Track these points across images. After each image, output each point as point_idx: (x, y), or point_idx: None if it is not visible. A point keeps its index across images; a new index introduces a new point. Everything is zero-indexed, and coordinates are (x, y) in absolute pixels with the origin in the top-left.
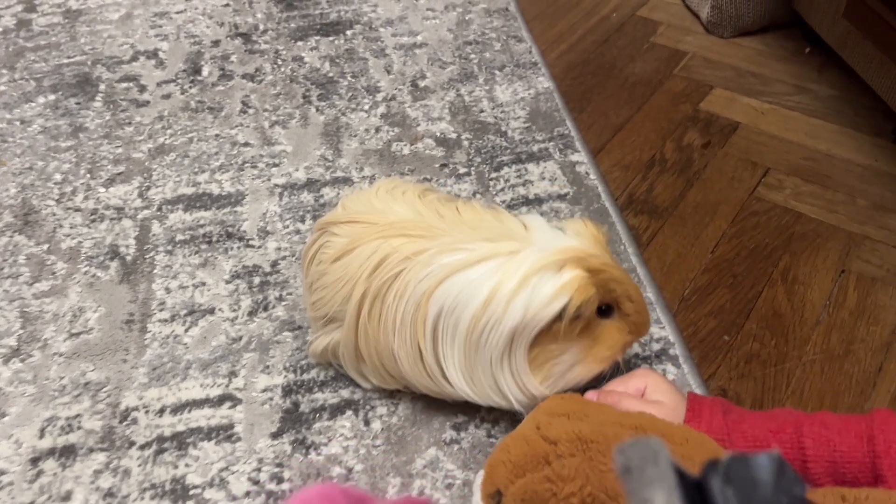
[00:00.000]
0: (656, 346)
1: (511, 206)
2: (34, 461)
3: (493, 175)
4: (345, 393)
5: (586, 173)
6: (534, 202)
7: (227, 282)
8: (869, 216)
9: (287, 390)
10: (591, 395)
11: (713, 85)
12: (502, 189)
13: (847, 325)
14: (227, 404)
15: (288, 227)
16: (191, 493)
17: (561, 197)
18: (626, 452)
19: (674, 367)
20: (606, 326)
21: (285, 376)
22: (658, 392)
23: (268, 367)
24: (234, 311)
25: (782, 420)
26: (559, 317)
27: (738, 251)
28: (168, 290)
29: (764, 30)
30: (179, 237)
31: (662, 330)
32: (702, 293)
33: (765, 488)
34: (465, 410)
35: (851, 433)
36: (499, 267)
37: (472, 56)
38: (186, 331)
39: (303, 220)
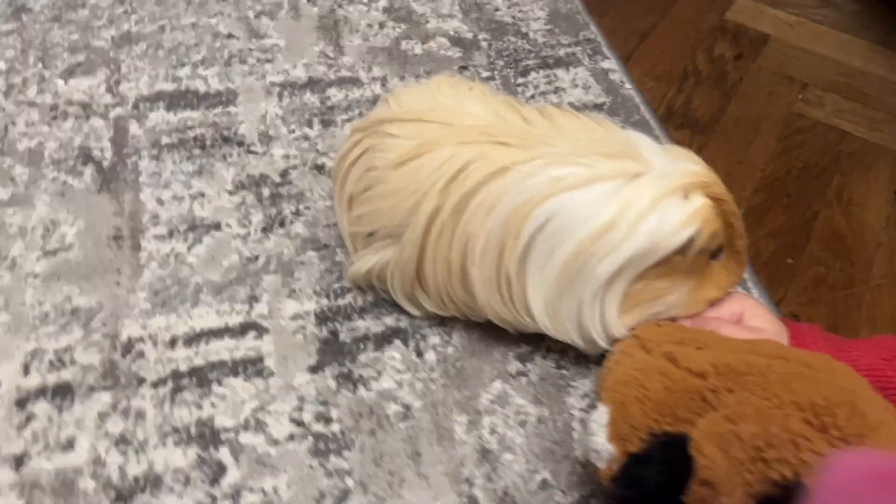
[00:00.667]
0: None
1: None
2: (20, 403)
3: (520, 80)
4: (389, 320)
5: (621, 82)
6: None
7: (231, 193)
8: None
9: (321, 317)
10: (685, 321)
11: None
12: (532, 96)
13: None
14: (252, 334)
15: (294, 131)
16: (222, 437)
17: (598, 107)
18: None
19: (741, 290)
20: (717, 265)
21: (317, 301)
22: (757, 318)
23: (294, 290)
24: (245, 226)
25: (893, 346)
26: (683, 249)
27: (789, 170)
28: (160, 202)
29: None
30: (165, 140)
31: None
32: (757, 213)
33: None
34: (527, 339)
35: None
36: (620, 189)
37: None
38: (189, 249)
39: (310, 125)
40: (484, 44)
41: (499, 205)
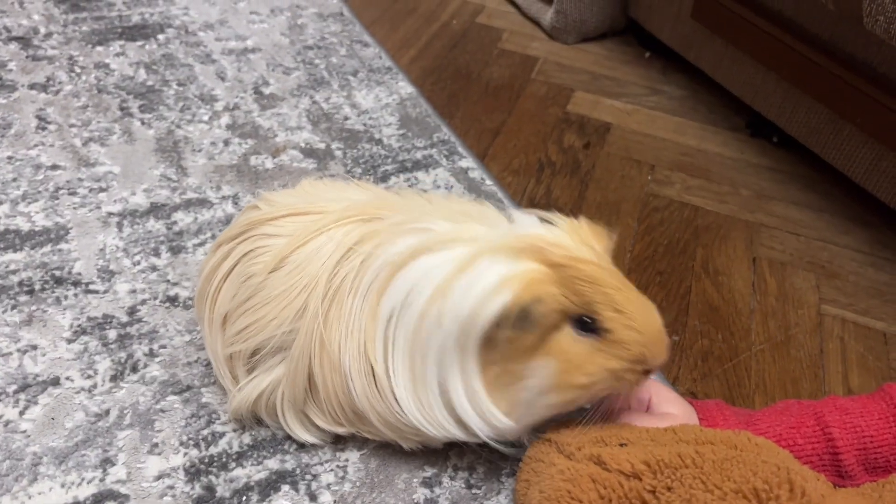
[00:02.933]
0: None
1: None
2: None
3: (382, 185)
4: (273, 463)
5: (481, 179)
6: None
7: (70, 340)
8: (756, 205)
9: (193, 472)
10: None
11: (573, 88)
12: None
13: (777, 311)
14: None
15: (139, 263)
16: None
17: None
18: None
19: None
20: (581, 345)
21: (185, 454)
22: (666, 402)
23: (156, 445)
24: (89, 377)
25: (797, 412)
26: (510, 321)
27: (655, 248)
28: None
29: (603, 36)
30: None
31: None
32: None
33: None
34: (430, 461)
35: (875, 415)
36: (458, 253)
37: (318, 61)
38: (22, 413)
39: (157, 254)
40: (338, 153)
41: (361, 286)
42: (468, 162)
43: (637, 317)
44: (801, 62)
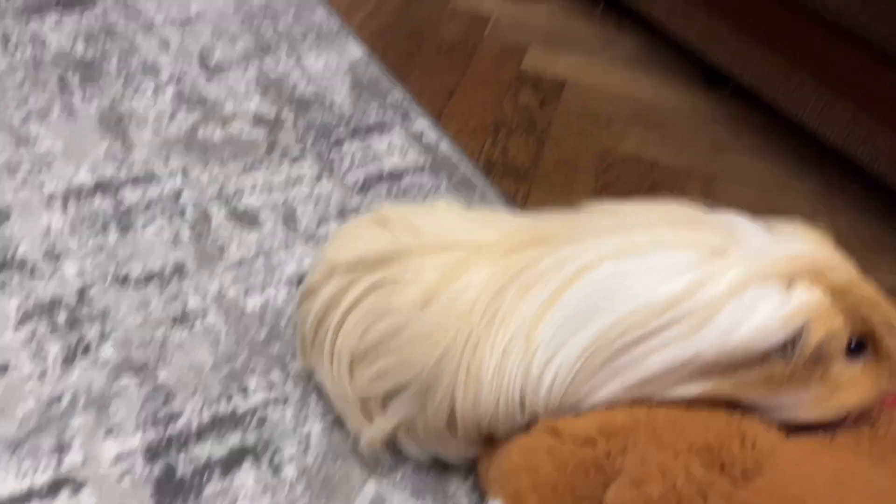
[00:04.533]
0: None
1: (366, 187)
2: None
3: (335, 153)
4: (234, 439)
5: (437, 142)
6: (391, 178)
7: (18, 326)
8: (712, 155)
9: (151, 453)
10: None
11: (527, 46)
12: (350, 168)
13: None
14: (66, 491)
15: (87, 243)
16: None
17: (419, 169)
18: None
19: None
20: (852, 368)
21: (142, 436)
22: None
23: (112, 428)
24: (40, 362)
25: None
26: (784, 351)
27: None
28: None
29: None
30: None
31: None
32: None
33: None
34: None
35: None
36: (693, 263)
37: (265, 26)
38: None
39: (105, 231)
40: (289, 121)
41: (532, 288)
42: (423, 124)
43: None
44: (751, 8)
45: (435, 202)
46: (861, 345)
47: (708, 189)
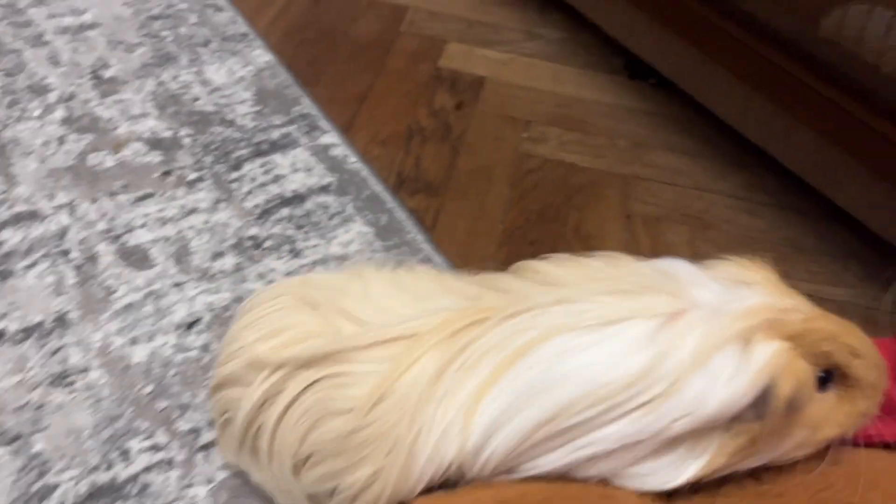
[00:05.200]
0: None
1: (267, 211)
2: None
3: (234, 175)
4: None
5: (344, 156)
6: (294, 201)
7: None
8: (632, 155)
9: None
10: None
11: (446, 39)
12: (250, 191)
13: None
14: None
15: None
16: None
17: (324, 189)
18: None
19: None
20: (825, 401)
21: None
22: None
23: None
24: None
25: None
26: (757, 411)
27: (527, 216)
28: None
29: None
30: None
31: None
32: (505, 269)
33: None
34: None
35: None
36: (651, 335)
37: (165, 33)
38: None
39: None
40: (187, 140)
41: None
42: (331, 137)
43: (868, 352)
44: (669, 1)
45: (362, 268)
46: (829, 376)
47: (627, 192)
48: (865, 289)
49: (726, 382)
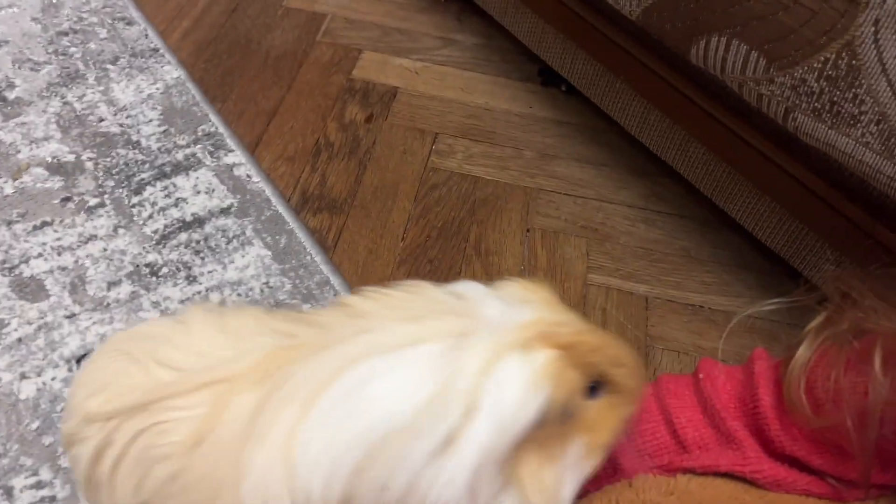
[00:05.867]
0: None
1: (166, 237)
2: None
3: (135, 200)
4: None
5: (248, 176)
6: (193, 224)
7: None
8: (537, 167)
9: None
10: None
11: (361, 48)
12: (150, 216)
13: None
14: None
15: None
16: None
17: (224, 211)
18: None
19: None
20: (596, 407)
21: None
22: None
23: None
24: None
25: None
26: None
27: (429, 233)
28: None
29: None
30: None
31: None
32: None
33: None
34: None
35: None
36: (441, 356)
37: (73, 49)
38: None
39: None
40: (89, 164)
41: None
42: (235, 157)
43: (631, 362)
44: (567, 13)
45: (189, 313)
46: (599, 386)
47: (529, 205)
48: (753, 298)
49: (512, 388)
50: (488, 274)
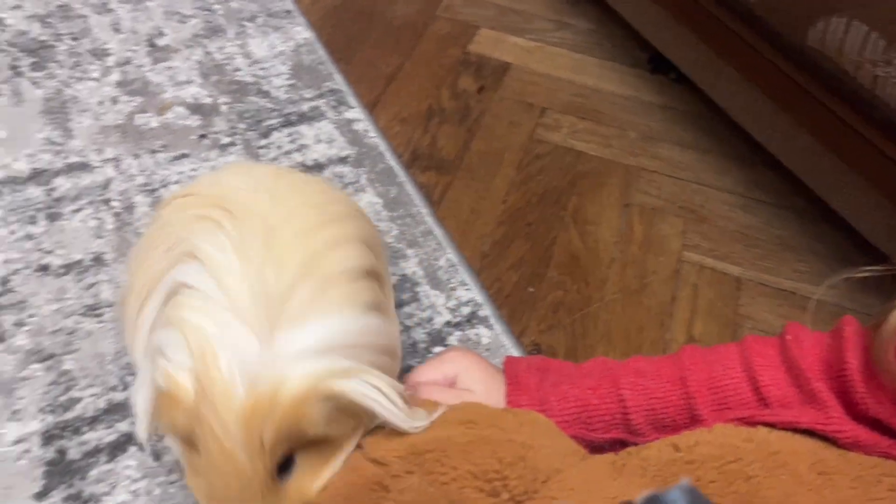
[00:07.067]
0: (466, 310)
1: None
2: None
3: (263, 142)
4: (123, 426)
5: (365, 131)
6: (313, 168)
7: None
8: (640, 147)
9: (48, 437)
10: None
11: (479, 25)
12: (275, 158)
13: (638, 259)
14: None
15: (15, 232)
16: None
17: (342, 160)
18: None
19: (486, 328)
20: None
21: (42, 419)
22: (469, 379)
23: (17, 411)
24: None
25: (598, 375)
26: None
27: (529, 198)
28: None
29: None
30: None
31: (469, 291)
32: (501, 247)
33: None
34: None
35: (665, 378)
36: None
37: (216, 7)
38: None
39: (34, 221)
40: (224, 107)
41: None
42: (355, 113)
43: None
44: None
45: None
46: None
47: (630, 182)
48: (849, 291)
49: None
50: (584, 241)
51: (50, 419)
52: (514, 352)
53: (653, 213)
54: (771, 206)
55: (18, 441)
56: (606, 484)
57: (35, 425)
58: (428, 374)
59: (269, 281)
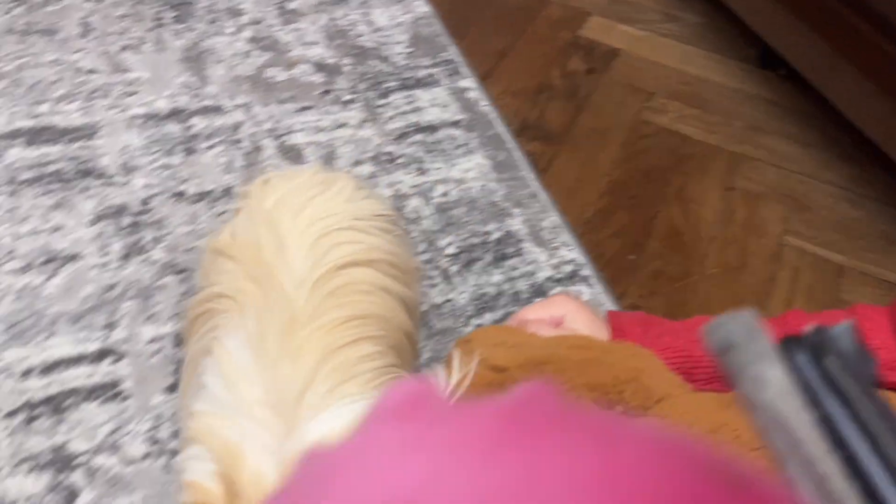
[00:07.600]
0: (568, 269)
1: (404, 135)
2: None
3: (381, 102)
4: None
5: (476, 100)
6: (426, 129)
7: (91, 224)
8: (746, 136)
9: (180, 339)
10: (510, 322)
11: (590, 12)
12: (392, 117)
13: (739, 239)
14: (109, 360)
15: (156, 161)
16: (76, 461)
17: (454, 124)
18: (726, 327)
19: (587, 287)
20: None
21: (175, 324)
22: (576, 321)
23: (153, 315)
24: (104, 255)
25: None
26: None
27: (633, 174)
28: (17, 236)
29: None
30: (24, 176)
31: (571, 252)
32: (603, 215)
33: (850, 357)
34: None
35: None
36: None
37: None
38: (47, 280)
39: (171, 153)
40: (347, 68)
41: None
42: (469, 82)
43: None
44: None
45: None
46: None
47: (733, 167)
48: None
49: None
50: (686, 218)
51: (180, 325)
52: (614, 309)
53: (755, 197)
54: (877, 202)
55: (153, 340)
56: (716, 412)
57: (168, 328)
58: (536, 312)
59: (285, 377)
